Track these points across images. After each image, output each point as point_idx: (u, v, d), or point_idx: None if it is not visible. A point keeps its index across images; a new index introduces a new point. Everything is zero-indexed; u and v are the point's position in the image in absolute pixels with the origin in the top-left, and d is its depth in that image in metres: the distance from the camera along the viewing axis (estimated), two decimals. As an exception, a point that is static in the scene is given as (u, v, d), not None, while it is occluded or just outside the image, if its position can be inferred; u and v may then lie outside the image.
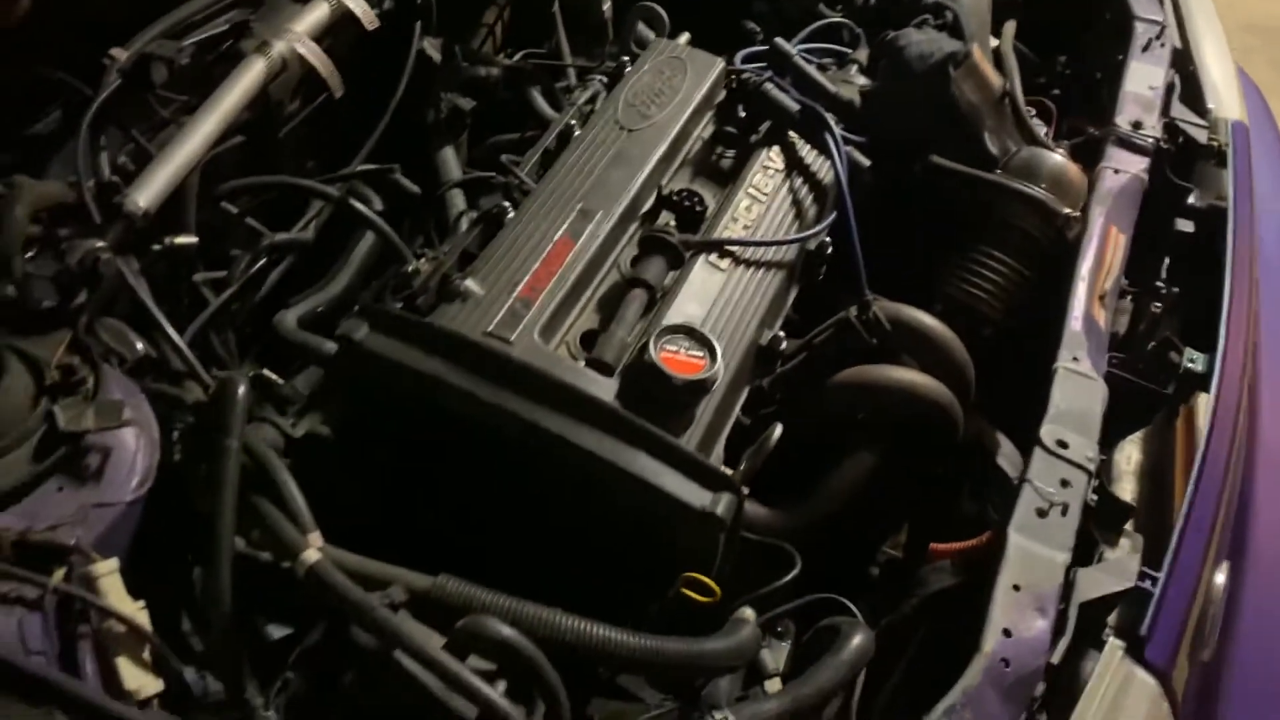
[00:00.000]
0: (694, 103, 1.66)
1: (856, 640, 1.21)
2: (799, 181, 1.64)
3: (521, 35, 2.14)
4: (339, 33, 1.66)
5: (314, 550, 1.07)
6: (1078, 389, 1.44)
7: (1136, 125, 1.82)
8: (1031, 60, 2.18)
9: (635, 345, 1.36)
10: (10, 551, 1.01)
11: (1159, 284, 1.66)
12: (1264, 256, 1.79)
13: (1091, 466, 1.34)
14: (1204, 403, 1.54)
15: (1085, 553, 1.31)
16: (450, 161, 1.96)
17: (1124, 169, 1.76)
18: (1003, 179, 1.69)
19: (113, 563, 1.04)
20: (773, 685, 1.25)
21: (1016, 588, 1.21)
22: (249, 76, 1.47)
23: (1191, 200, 1.77)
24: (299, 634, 1.16)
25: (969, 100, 1.70)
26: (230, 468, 1.11)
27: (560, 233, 1.44)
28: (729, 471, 1.25)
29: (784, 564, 1.36)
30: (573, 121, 1.70)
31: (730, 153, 1.67)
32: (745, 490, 1.25)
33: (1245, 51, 2.27)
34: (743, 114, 1.70)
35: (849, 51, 1.92)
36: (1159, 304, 1.63)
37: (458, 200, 1.87)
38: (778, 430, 1.31)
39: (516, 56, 2.05)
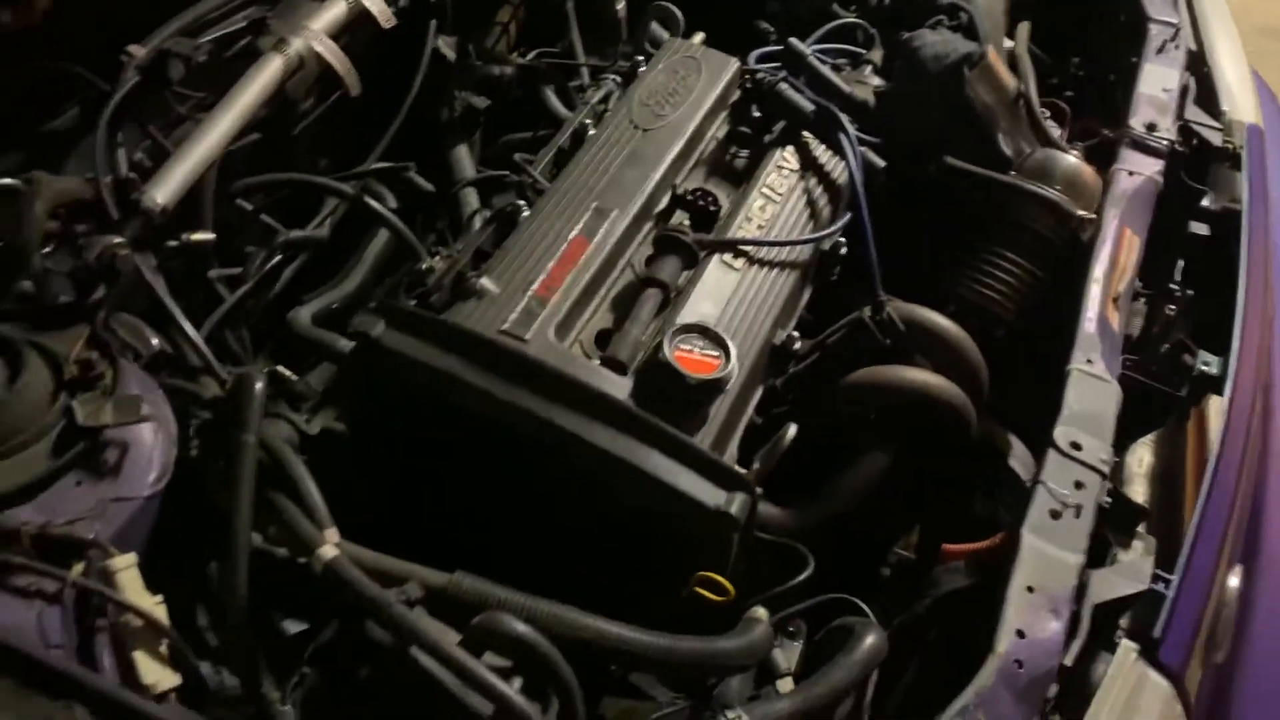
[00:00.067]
0: (709, 102, 1.66)
1: (870, 640, 1.21)
2: (813, 182, 1.64)
3: (535, 34, 2.14)
4: (355, 31, 1.66)
5: (331, 546, 1.08)
6: (1091, 391, 1.44)
7: (1151, 127, 1.81)
8: (1044, 61, 2.17)
9: (649, 344, 1.36)
10: (30, 545, 1.02)
11: (1173, 286, 1.66)
12: (1278, 259, 1.78)
13: (1105, 469, 1.34)
14: (1215, 405, 1.54)
15: (1098, 555, 1.31)
16: (464, 160, 1.96)
17: (1138, 171, 1.75)
18: (1017, 180, 1.69)
19: (131, 557, 1.05)
20: (784, 685, 1.25)
21: (1030, 589, 1.21)
22: (266, 74, 1.48)
23: (1205, 203, 1.77)
24: (315, 630, 1.17)
25: (983, 101, 1.70)
26: (247, 463, 1.11)
27: (575, 231, 1.45)
28: (743, 471, 1.25)
29: (796, 564, 1.36)
30: (587, 121, 1.71)
31: (744, 152, 1.67)
32: (759, 490, 1.25)
33: (1260, 54, 2.26)
34: (757, 114, 1.70)
35: (863, 52, 1.92)
36: (1173, 306, 1.63)
37: (471, 198, 1.87)
38: (792, 430, 1.31)
39: (530, 55, 2.05)
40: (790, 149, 1.66)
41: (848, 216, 1.59)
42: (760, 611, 1.23)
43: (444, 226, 1.89)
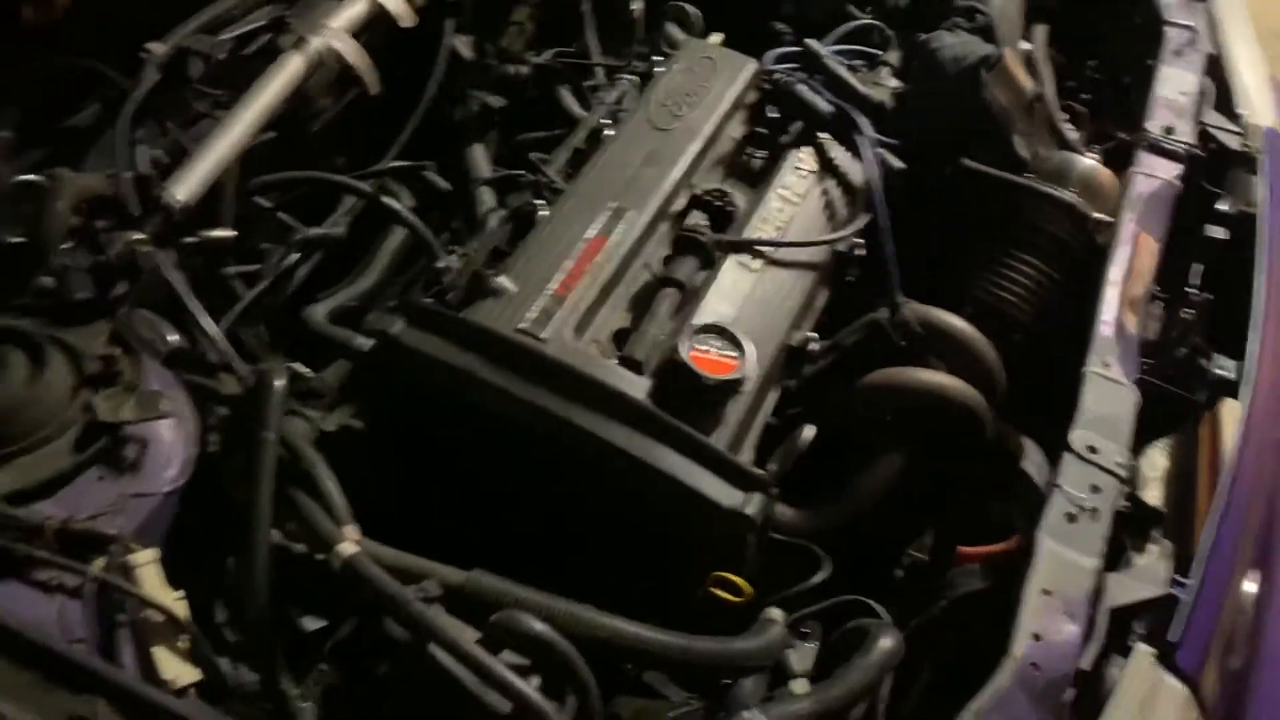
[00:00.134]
0: (726, 103, 1.66)
1: (885, 642, 1.21)
2: (830, 183, 1.64)
3: (551, 34, 2.14)
4: (374, 29, 1.67)
5: (350, 543, 1.08)
6: (1108, 394, 1.44)
7: (1168, 130, 1.81)
8: (1060, 63, 2.17)
9: (666, 344, 1.36)
10: (53, 539, 1.02)
11: (1190, 290, 1.66)
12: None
13: (1122, 472, 1.34)
14: (1229, 409, 1.54)
15: (1114, 558, 1.31)
16: (479, 159, 1.96)
17: (1155, 174, 1.75)
18: (1034, 182, 1.69)
19: (152, 552, 1.06)
20: (799, 686, 1.24)
21: (1046, 592, 1.21)
22: (287, 72, 1.48)
23: (1222, 206, 1.76)
24: (333, 626, 1.17)
25: (1000, 103, 1.70)
26: (267, 460, 1.11)
27: (594, 231, 1.45)
28: (759, 472, 1.25)
29: (811, 565, 1.37)
30: (604, 121, 1.71)
31: (761, 153, 1.67)
32: (775, 490, 1.26)
33: (1278, 58, 2.25)
34: (774, 115, 1.70)
35: (880, 53, 1.92)
36: (1190, 310, 1.63)
37: (486, 197, 1.87)
38: (810, 431, 1.31)
39: (545, 55, 2.06)
40: (808, 150, 1.66)
41: (865, 218, 1.59)
42: (775, 612, 1.23)
43: (459, 225, 1.89)
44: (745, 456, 1.35)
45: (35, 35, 1.42)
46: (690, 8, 2.00)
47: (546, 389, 1.25)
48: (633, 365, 1.34)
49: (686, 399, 1.29)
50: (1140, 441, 1.47)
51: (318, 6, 1.62)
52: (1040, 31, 2.07)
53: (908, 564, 1.64)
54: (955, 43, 1.71)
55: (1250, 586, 1.38)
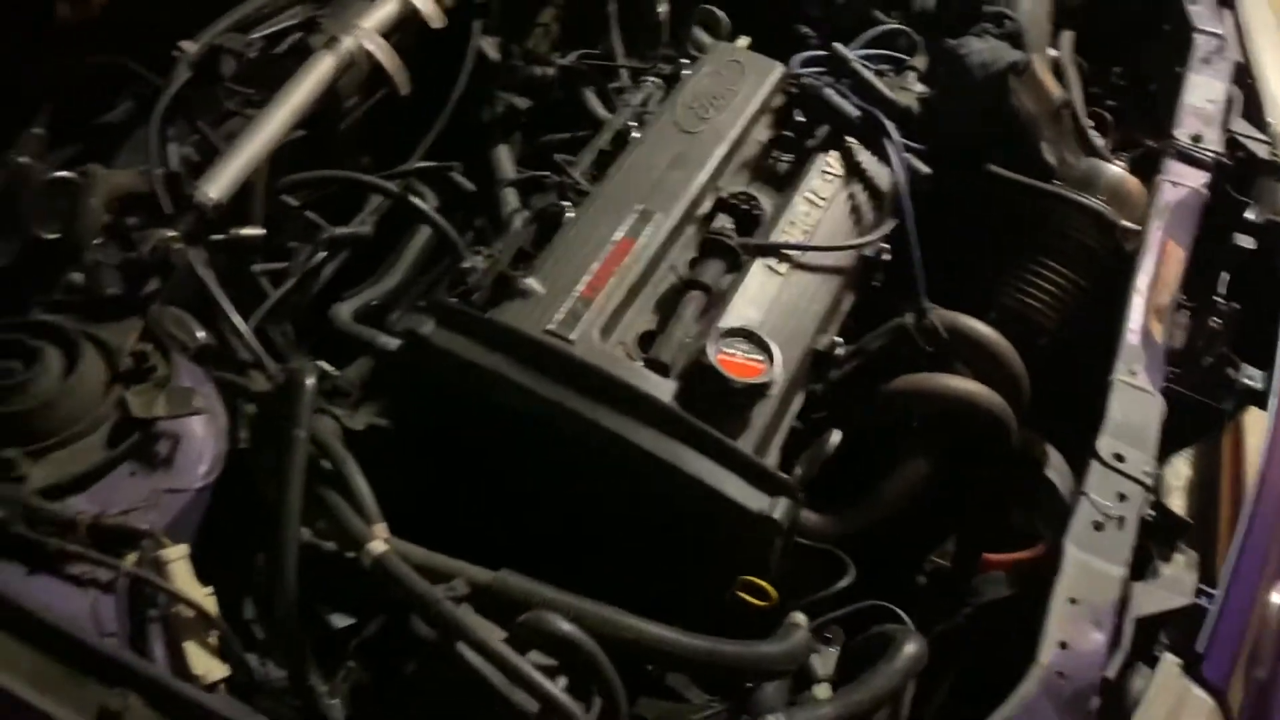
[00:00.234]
0: (753, 106, 1.66)
1: (910, 648, 1.21)
2: (857, 187, 1.64)
3: (576, 35, 2.15)
4: (404, 30, 1.67)
5: (380, 542, 1.08)
6: (1135, 403, 1.43)
7: (1196, 139, 1.80)
8: (1085, 70, 2.16)
9: (692, 347, 1.36)
10: (86, 534, 1.03)
11: (1217, 299, 1.65)
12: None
13: (1149, 481, 1.34)
14: (1253, 418, 1.54)
15: (1140, 567, 1.31)
16: (504, 160, 1.97)
17: (1183, 182, 1.74)
18: (1062, 189, 1.69)
19: (183, 548, 1.06)
20: (822, 691, 1.25)
21: (1073, 601, 1.21)
22: (319, 71, 1.49)
23: (1250, 215, 1.75)
24: (361, 624, 1.18)
25: (1028, 110, 1.70)
26: (298, 458, 1.12)
27: (621, 233, 1.45)
28: (785, 476, 1.25)
29: (834, 570, 1.37)
30: (632, 123, 1.71)
31: (787, 157, 1.68)
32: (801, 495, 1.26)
33: (1303, 66, 2.24)
34: (800, 119, 1.70)
35: (906, 58, 1.92)
36: (1217, 319, 1.62)
37: (511, 198, 1.88)
38: (836, 436, 1.31)
39: (570, 57, 2.06)
40: (835, 154, 1.66)
41: (891, 223, 1.59)
42: (799, 617, 1.23)
43: (483, 225, 1.90)
44: (771, 460, 1.35)
45: (71, 33, 1.43)
46: (718, 11, 2.00)
47: (574, 390, 1.26)
48: (659, 368, 1.34)
49: (713, 402, 1.30)
50: (1166, 451, 1.47)
51: (349, 6, 1.62)
52: (1067, 38, 2.06)
53: (929, 570, 1.64)
54: (983, 48, 1.71)
55: (1277, 597, 1.38)
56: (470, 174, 1.90)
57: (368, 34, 1.55)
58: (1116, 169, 1.73)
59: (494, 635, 1.05)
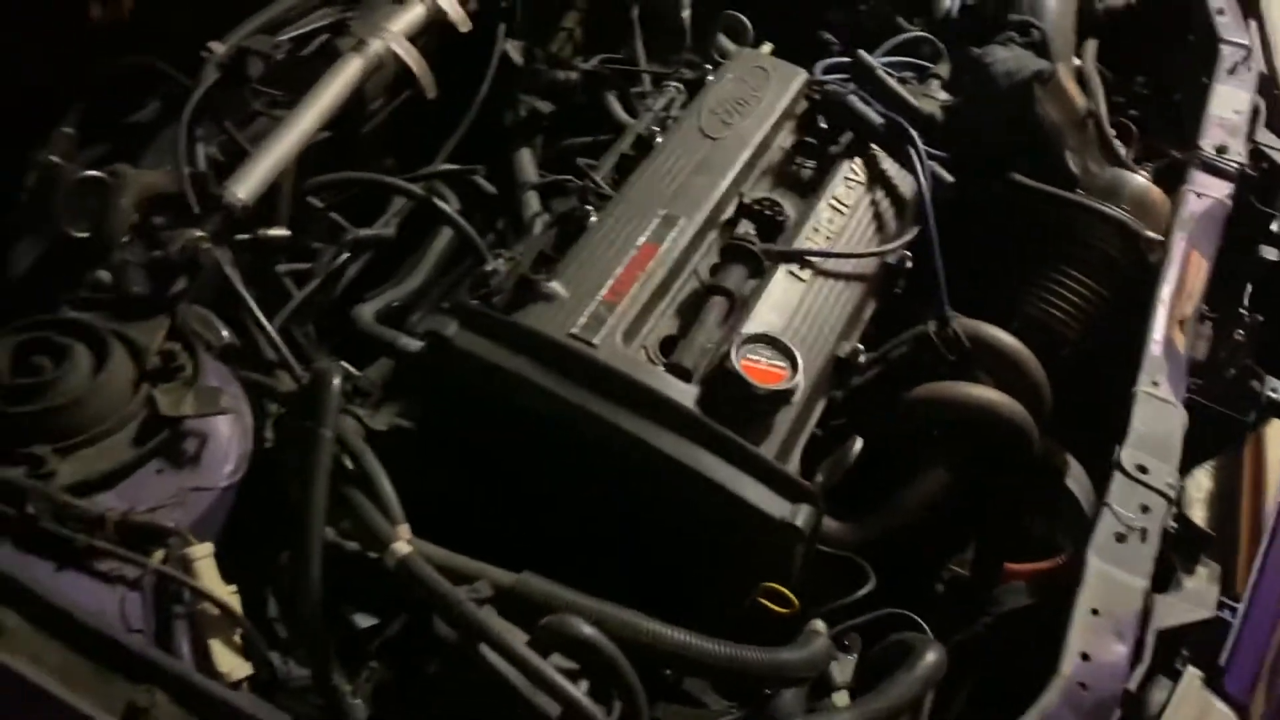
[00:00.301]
0: (777, 112, 1.67)
1: (930, 657, 1.21)
2: (880, 194, 1.64)
3: (599, 40, 2.15)
4: (429, 33, 1.68)
5: (404, 542, 1.09)
6: (1158, 414, 1.43)
7: (1221, 149, 1.80)
8: (1108, 79, 2.16)
9: (714, 353, 1.37)
10: (113, 531, 1.04)
11: (1241, 311, 1.65)
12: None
13: (1172, 493, 1.33)
14: (1275, 431, 1.53)
15: (1162, 579, 1.30)
16: (526, 163, 1.98)
17: (1207, 193, 1.74)
18: (1086, 199, 1.68)
19: (208, 546, 1.07)
20: (840, 698, 1.25)
21: (1095, 612, 1.20)
22: (346, 74, 1.50)
23: (1275, 227, 1.75)
24: (383, 624, 1.18)
25: (1052, 119, 1.69)
26: (323, 458, 1.12)
27: (644, 238, 1.46)
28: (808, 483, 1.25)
29: (854, 577, 1.36)
30: (655, 128, 1.71)
31: (810, 163, 1.67)
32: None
33: (1328, 78, 2.23)
34: (824, 125, 1.70)
35: (930, 66, 1.92)
36: (1241, 331, 1.62)
37: (532, 201, 1.89)
38: (859, 444, 1.31)
39: (593, 61, 2.07)
40: (858, 161, 1.66)
41: (914, 230, 1.59)
42: (819, 624, 1.23)
43: (504, 227, 1.91)
44: (792, 467, 1.35)
45: (102, 34, 1.44)
46: (742, 17, 2.00)
47: (597, 394, 1.26)
48: (681, 373, 1.34)
49: (735, 408, 1.30)
50: (1188, 463, 1.46)
51: (377, 9, 1.63)
52: (1090, 47, 2.06)
53: (948, 578, 1.64)
54: (1008, 57, 1.71)
55: (1300, 612, 1.37)
56: (492, 177, 1.91)
57: (395, 37, 1.56)
58: (1140, 179, 1.73)
59: (516, 637, 1.05)
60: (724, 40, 2.04)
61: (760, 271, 1.48)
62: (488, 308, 1.39)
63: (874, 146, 1.68)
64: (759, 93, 1.70)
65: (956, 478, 1.47)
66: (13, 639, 0.93)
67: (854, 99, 1.68)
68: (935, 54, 1.96)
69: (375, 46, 1.53)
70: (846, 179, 1.63)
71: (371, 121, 1.75)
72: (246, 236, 1.43)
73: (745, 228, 1.54)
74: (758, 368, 1.31)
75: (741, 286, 1.46)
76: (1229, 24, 2.04)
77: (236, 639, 1.06)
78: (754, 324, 1.40)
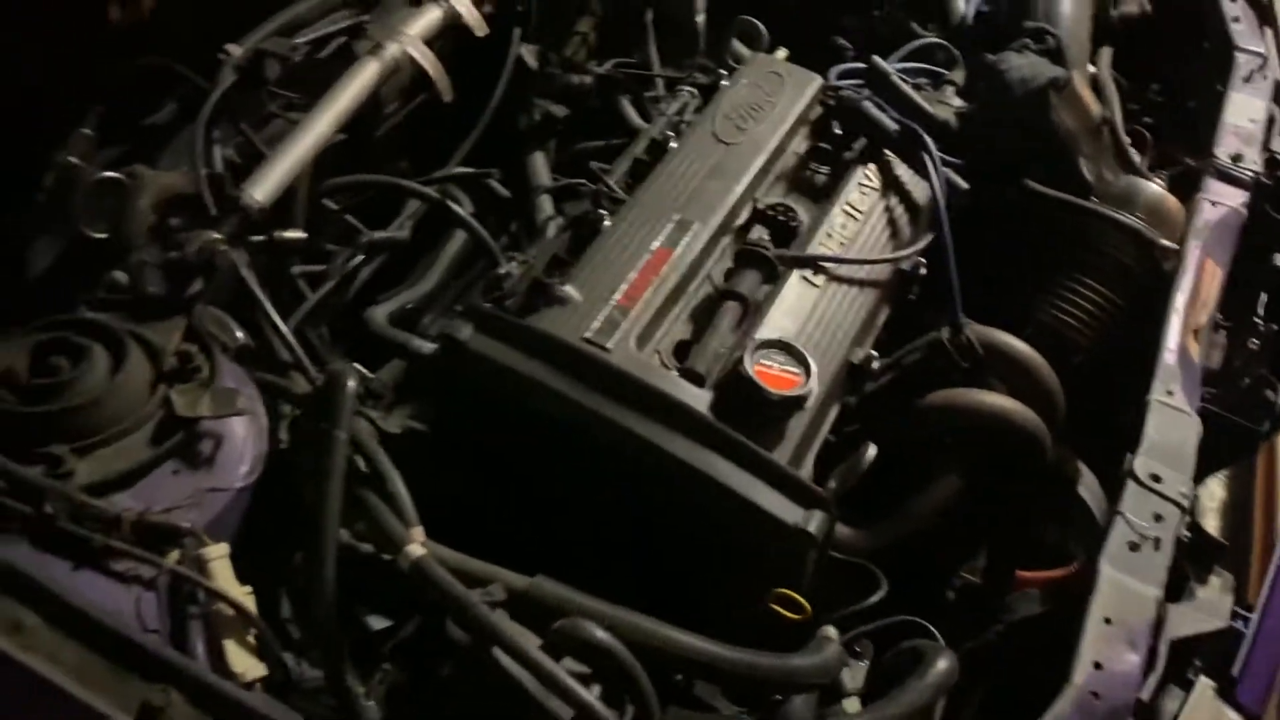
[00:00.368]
0: (791, 118, 1.67)
1: (942, 664, 1.21)
2: (894, 201, 1.64)
3: (613, 44, 2.16)
4: (445, 37, 1.69)
5: (418, 545, 1.09)
6: (1171, 423, 1.43)
7: (1236, 158, 1.79)
8: (1123, 86, 2.16)
9: (728, 358, 1.37)
10: (129, 531, 1.04)
11: (1256, 320, 1.64)
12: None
13: (1186, 502, 1.33)
14: (1286, 440, 1.53)
15: (1175, 589, 1.30)
16: (539, 167, 1.98)
17: (1222, 201, 1.74)
18: (1100, 207, 1.68)
19: (223, 547, 1.07)
20: (851, 705, 1.25)
21: (1108, 621, 1.20)
22: (363, 77, 1.50)
23: (1291, 236, 1.74)
24: (396, 626, 1.19)
25: (1067, 126, 1.69)
26: (338, 459, 1.13)
27: (658, 242, 1.46)
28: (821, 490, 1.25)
29: (866, 583, 1.36)
30: (668, 132, 1.72)
31: (824, 169, 1.68)
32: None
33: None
34: (838, 131, 1.70)
35: (944, 72, 1.92)
36: (1255, 340, 1.61)
37: (545, 205, 1.89)
38: (872, 450, 1.31)
39: (607, 65, 2.07)
40: (872, 167, 1.66)
41: (929, 237, 1.59)
42: (831, 630, 1.23)
43: (517, 230, 1.91)
44: (805, 473, 1.35)
45: (120, 36, 1.45)
46: (757, 23, 2.01)
47: (610, 398, 1.26)
48: (694, 378, 1.34)
49: (749, 413, 1.30)
50: (1202, 472, 1.46)
51: (394, 12, 1.64)
52: (1105, 54, 2.06)
53: (959, 585, 1.63)
54: (1023, 64, 1.71)
55: (1313, 622, 1.36)
56: (505, 180, 1.91)
57: (412, 41, 1.56)
58: (1155, 187, 1.72)
59: (529, 641, 1.05)
60: (738, 45, 2.04)
61: (774, 277, 1.48)
62: (501, 311, 1.39)
63: (888, 152, 1.68)
64: (773, 98, 1.70)
65: (969, 484, 1.47)
66: (30, 637, 0.93)
67: (869, 105, 1.68)
68: (950, 60, 1.97)
69: (392, 50, 1.54)
70: (861, 185, 1.63)
71: (387, 124, 1.75)
72: (262, 238, 1.44)
73: (759, 233, 1.54)
74: (771, 373, 1.31)
75: (755, 292, 1.46)
76: (1244, 31, 2.03)
77: (251, 640, 1.06)
78: (767, 329, 1.40)
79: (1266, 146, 1.84)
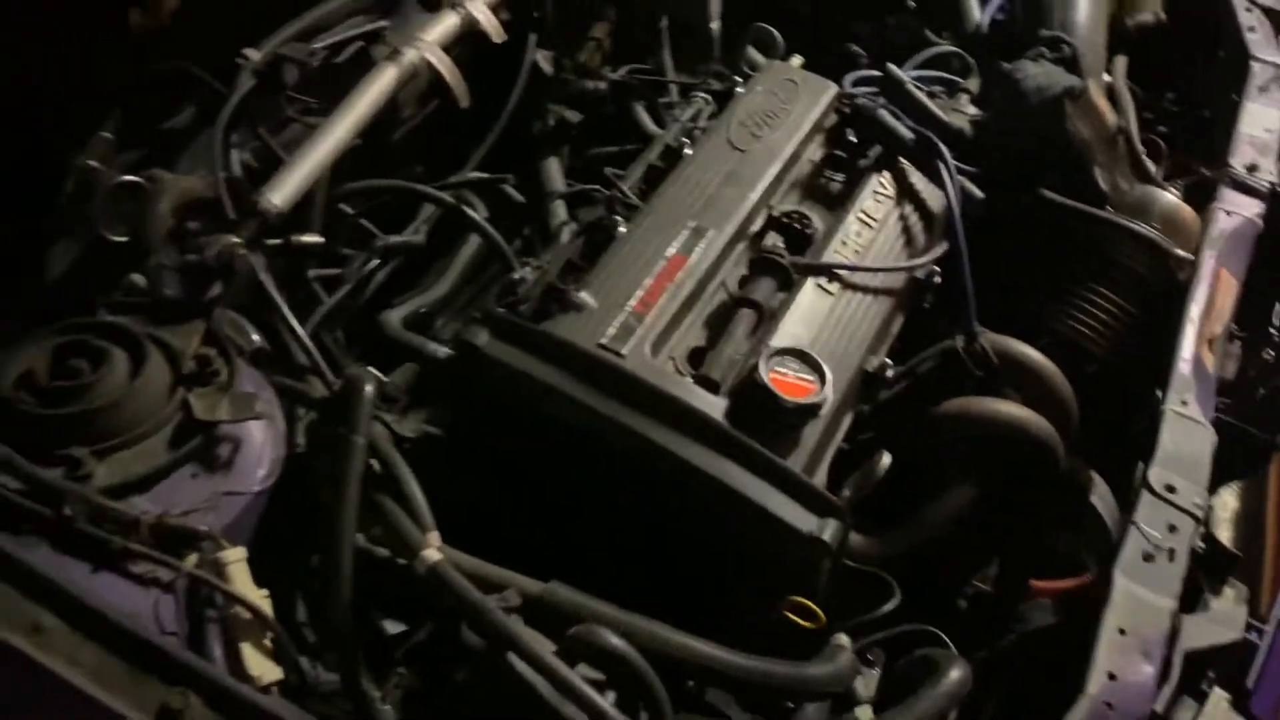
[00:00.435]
0: (806, 125, 1.67)
1: (954, 673, 1.21)
2: (909, 209, 1.64)
3: (628, 50, 2.16)
4: (462, 43, 1.69)
5: (434, 550, 1.10)
6: (1186, 433, 1.43)
7: (1252, 168, 1.79)
8: (1138, 96, 2.15)
9: (742, 365, 1.37)
10: (148, 534, 1.05)
11: (1271, 330, 1.64)
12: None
13: (1200, 513, 1.33)
14: (1304, 452, 1.53)
15: (1189, 600, 1.30)
16: (554, 172, 1.99)
17: (1237, 211, 1.73)
18: (1115, 216, 1.68)
19: (241, 550, 1.08)
20: (864, 713, 1.24)
21: (1122, 631, 1.20)
22: (381, 82, 1.51)
23: (1306, 246, 1.74)
24: (413, 630, 1.19)
25: (1083, 135, 1.69)
26: (355, 464, 1.13)
27: (674, 249, 1.46)
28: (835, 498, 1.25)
29: (879, 592, 1.36)
30: (683, 139, 1.72)
31: (839, 176, 1.68)
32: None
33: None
34: (853, 139, 1.70)
35: (959, 80, 1.92)
36: (1270, 351, 1.61)
37: (559, 210, 1.90)
38: (886, 459, 1.31)
39: (621, 71, 2.07)
40: (887, 175, 1.66)
41: (944, 245, 1.59)
42: (844, 639, 1.23)
43: (530, 234, 1.91)
44: (819, 481, 1.35)
45: (140, 40, 1.46)
46: (773, 30, 2.01)
47: (625, 405, 1.26)
48: (709, 385, 1.35)
49: (763, 421, 1.30)
50: (1215, 483, 1.45)
51: (411, 18, 1.65)
52: (1120, 63, 2.06)
53: (972, 594, 1.63)
54: (1039, 73, 1.71)
55: (1328, 635, 1.36)
56: (519, 185, 1.92)
57: (430, 47, 1.57)
58: (1170, 197, 1.72)
59: (544, 647, 1.05)
60: (753, 52, 2.04)
61: (789, 284, 1.48)
62: (517, 316, 1.40)
63: (903, 161, 1.68)
64: (789, 105, 1.70)
65: (982, 493, 1.47)
66: (50, 639, 0.94)
67: (884, 113, 1.68)
68: (965, 68, 1.97)
69: (410, 56, 1.55)
70: (875, 193, 1.63)
71: (403, 129, 1.76)
72: (279, 242, 1.44)
73: (774, 240, 1.54)
74: (786, 381, 1.31)
75: (770, 299, 1.46)
76: (1260, 41, 2.03)
77: (267, 643, 1.07)
78: (782, 337, 1.40)
79: (1282, 157, 1.84)
